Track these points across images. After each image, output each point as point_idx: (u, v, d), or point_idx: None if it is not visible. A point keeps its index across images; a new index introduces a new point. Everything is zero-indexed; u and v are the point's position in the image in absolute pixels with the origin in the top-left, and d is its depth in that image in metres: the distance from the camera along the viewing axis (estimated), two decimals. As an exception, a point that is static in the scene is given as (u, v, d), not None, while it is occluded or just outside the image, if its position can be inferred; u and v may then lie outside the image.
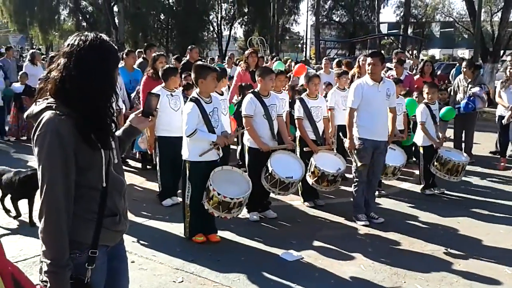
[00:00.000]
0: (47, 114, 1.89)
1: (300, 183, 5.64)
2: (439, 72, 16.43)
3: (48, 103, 1.94)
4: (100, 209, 2.01)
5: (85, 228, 1.99)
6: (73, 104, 1.92)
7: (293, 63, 13.44)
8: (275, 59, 12.62)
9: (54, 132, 1.85)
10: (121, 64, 8.18)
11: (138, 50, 10.98)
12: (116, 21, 30.29)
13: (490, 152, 9.01)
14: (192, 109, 4.52)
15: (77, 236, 1.96)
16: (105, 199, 2.02)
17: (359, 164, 5.20)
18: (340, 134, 5.47)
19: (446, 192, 6.52)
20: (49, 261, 1.86)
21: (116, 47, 2.12)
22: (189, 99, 4.65)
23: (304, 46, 41.28)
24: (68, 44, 1.99)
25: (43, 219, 1.87)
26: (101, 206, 2.01)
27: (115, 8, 31.21)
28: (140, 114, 2.31)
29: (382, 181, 6.32)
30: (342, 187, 6.10)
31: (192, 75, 4.70)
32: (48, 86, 1.98)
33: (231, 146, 6.38)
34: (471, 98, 8.07)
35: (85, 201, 1.98)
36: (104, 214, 2.02)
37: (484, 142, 9.37)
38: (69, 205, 1.91)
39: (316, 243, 4.76)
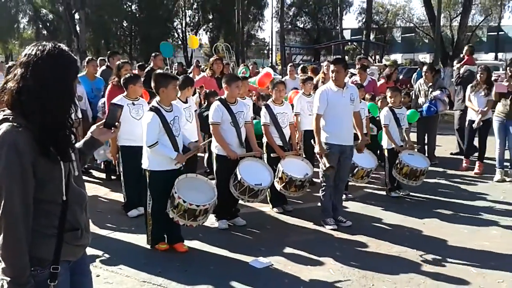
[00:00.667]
0: (4, 127, 1.84)
1: (269, 189, 5.63)
2: (401, 77, 16.81)
3: (4, 115, 1.89)
4: (60, 224, 1.96)
5: (46, 244, 1.94)
6: (31, 115, 1.87)
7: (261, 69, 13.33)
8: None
9: (12, 145, 1.81)
10: (83, 72, 8.02)
11: (101, 58, 10.79)
12: (78, 28, 29.72)
13: (451, 154, 9.26)
14: (152, 119, 4.45)
15: (37, 252, 1.91)
16: (65, 213, 1.97)
17: (327, 165, 5.21)
18: (312, 141, 5.50)
19: (411, 194, 6.65)
20: (9, 279, 1.82)
21: (75, 56, 2.08)
22: (149, 109, 4.57)
23: (270, 52, 41.59)
24: (26, 54, 1.94)
25: (1, 236, 1.82)
26: (62, 220, 1.96)
27: (76, 16, 30.61)
28: (102, 126, 2.25)
29: (353, 183, 6.39)
30: (310, 192, 6.12)
31: (152, 84, 4.63)
32: (4, 97, 1.92)
33: (198, 154, 6.30)
34: (433, 102, 8.27)
35: (45, 215, 1.94)
36: (65, 228, 1.97)
37: (446, 144, 9.61)
38: (28, 220, 1.86)
39: (285, 249, 4.75)
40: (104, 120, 2.26)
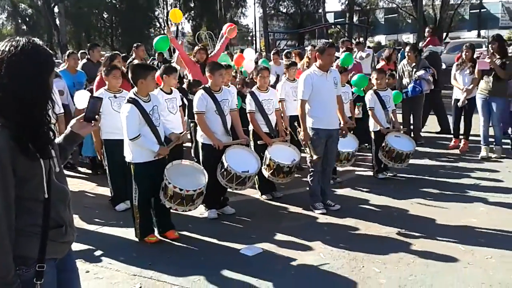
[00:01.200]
0: None
1: (257, 177, 5.63)
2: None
3: None
4: (44, 221, 1.94)
5: (30, 242, 1.92)
6: (7, 113, 1.84)
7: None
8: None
9: None
10: (64, 66, 7.89)
11: (81, 51, 10.63)
12: (57, 22, 29.25)
13: (436, 132, 9.31)
14: (130, 111, 4.39)
15: (21, 251, 1.89)
16: (48, 211, 1.95)
17: (315, 157, 5.23)
18: (296, 124, 5.50)
19: (398, 174, 6.69)
20: None
21: (50, 51, 2.03)
22: (126, 100, 4.50)
23: (254, 38, 41.35)
24: None
25: None
26: (45, 218, 1.94)
27: (56, 9, 30.10)
28: (82, 119, 2.21)
29: (337, 168, 6.40)
30: (298, 177, 6.12)
31: (130, 75, 4.55)
32: None
33: (184, 144, 6.25)
34: (417, 82, 8.29)
35: (28, 214, 1.91)
36: (49, 226, 1.95)
37: (432, 123, 9.65)
38: (11, 220, 1.83)
39: (276, 236, 4.76)
40: (83, 114, 2.22)
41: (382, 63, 9.27)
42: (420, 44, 11.09)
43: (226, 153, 5.12)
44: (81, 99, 6.86)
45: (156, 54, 15.84)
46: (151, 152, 4.46)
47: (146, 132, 4.43)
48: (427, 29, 11.82)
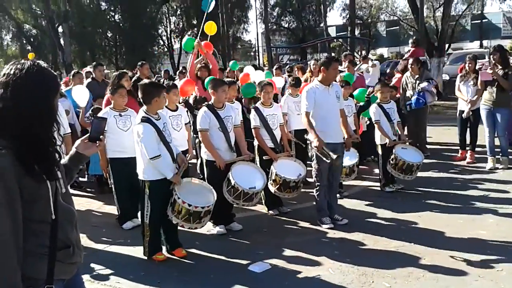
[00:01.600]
0: None
1: (263, 192, 5.62)
2: (388, 70, 16.84)
3: None
4: (51, 243, 1.94)
5: (38, 263, 1.92)
6: (13, 136, 1.85)
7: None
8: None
9: None
10: (69, 86, 7.95)
11: (86, 70, 10.70)
12: (62, 42, 29.53)
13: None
14: (146, 131, 4.38)
15: (30, 272, 1.89)
16: (56, 232, 1.95)
17: (334, 157, 5.12)
18: (306, 136, 5.49)
19: (405, 187, 6.65)
20: None
21: (54, 73, 2.06)
22: (140, 120, 4.50)
23: (256, 53, 41.57)
24: (4, 74, 1.92)
25: None
26: (53, 239, 1.95)
27: (60, 29, 30.40)
28: (87, 140, 2.23)
29: (344, 182, 6.38)
30: (305, 192, 6.10)
31: (142, 95, 4.55)
32: None
33: (190, 160, 6.26)
34: (421, 93, 8.30)
35: (35, 235, 1.92)
36: (57, 247, 1.95)
37: (437, 135, 9.63)
38: (19, 242, 1.83)
39: (284, 251, 4.73)
40: (88, 134, 2.24)
41: (398, 75, 9.27)
42: (406, 55, 11.19)
43: (232, 170, 5.11)
44: (80, 95, 6.94)
45: (162, 72, 15.97)
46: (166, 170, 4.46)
47: (161, 149, 4.43)
48: (410, 41, 12.07)
